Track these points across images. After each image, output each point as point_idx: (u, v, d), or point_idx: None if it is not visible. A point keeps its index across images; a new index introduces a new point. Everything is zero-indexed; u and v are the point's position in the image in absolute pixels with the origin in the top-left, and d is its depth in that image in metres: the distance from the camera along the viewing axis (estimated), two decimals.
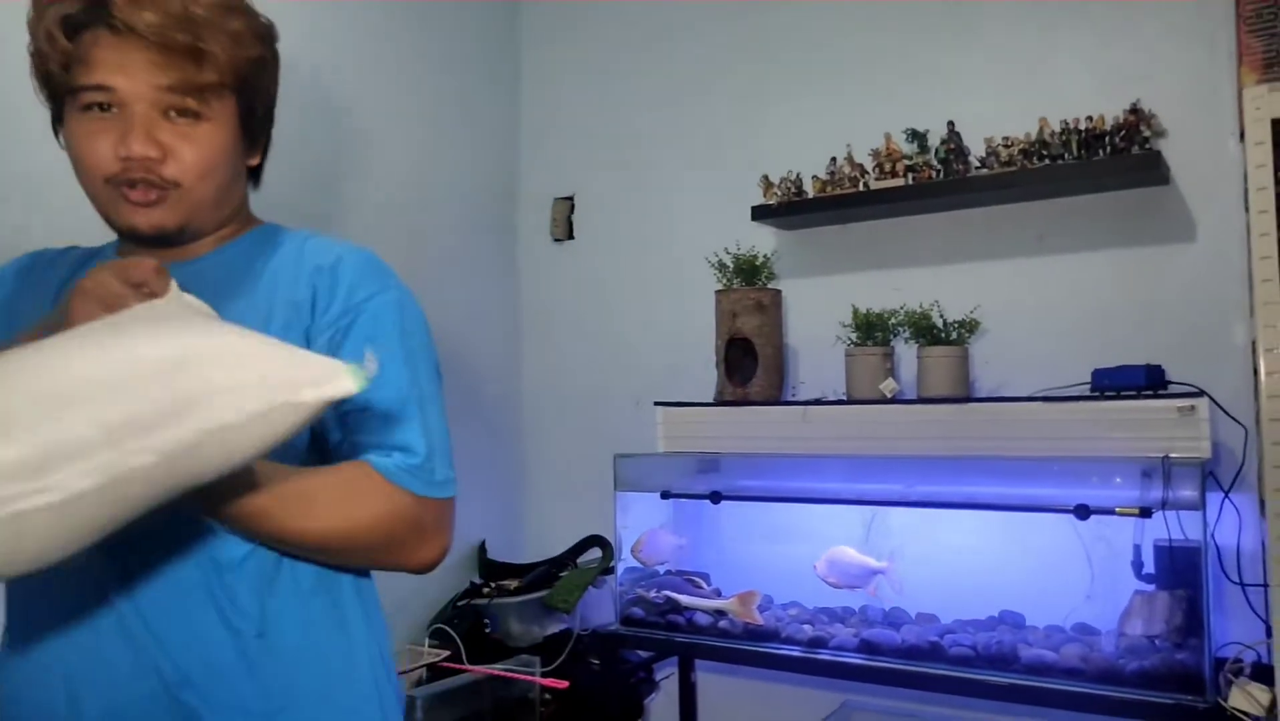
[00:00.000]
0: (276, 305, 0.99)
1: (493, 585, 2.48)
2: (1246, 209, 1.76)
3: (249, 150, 1.03)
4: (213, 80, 0.94)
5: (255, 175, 1.09)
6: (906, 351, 2.21)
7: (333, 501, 0.91)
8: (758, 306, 2.29)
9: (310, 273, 1.00)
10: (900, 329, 2.19)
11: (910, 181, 2.21)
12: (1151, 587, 1.73)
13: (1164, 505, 1.65)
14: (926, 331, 2.13)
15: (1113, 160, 1.99)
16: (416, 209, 2.60)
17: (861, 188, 2.28)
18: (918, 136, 2.26)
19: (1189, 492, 1.66)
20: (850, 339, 2.22)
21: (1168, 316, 2.03)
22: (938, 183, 2.18)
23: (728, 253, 2.36)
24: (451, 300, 2.69)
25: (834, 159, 2.33)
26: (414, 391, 0.98)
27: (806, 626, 2.01)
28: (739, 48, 2.61)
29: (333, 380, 0.72)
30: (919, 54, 2.35)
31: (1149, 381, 1.85)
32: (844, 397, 2.20)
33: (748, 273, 2.33)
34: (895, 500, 2.03)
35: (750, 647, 2.02)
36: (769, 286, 2.35)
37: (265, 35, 1.01)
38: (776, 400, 2.28)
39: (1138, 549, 1.77)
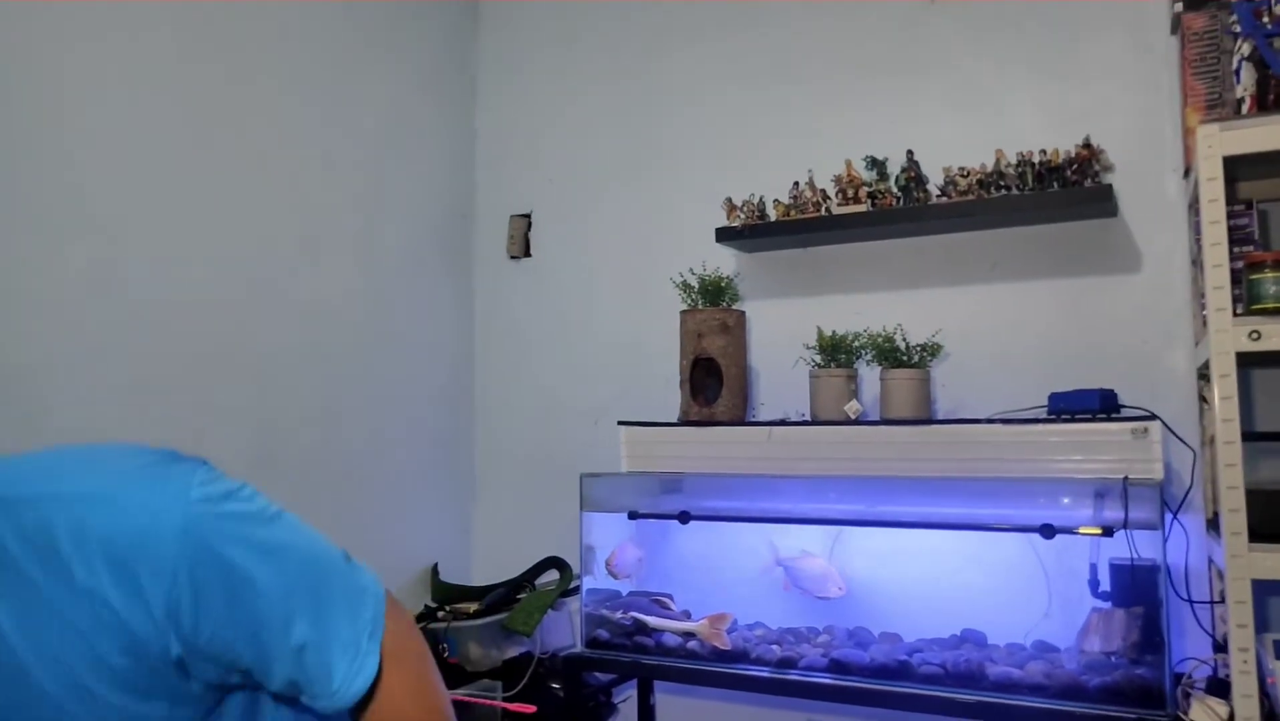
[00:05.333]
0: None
1: (448, 608, 2.44)
2: (1196, 241, 1.86)
3: None
4: None
5: None
6: (869, 374, 2.25)
7: None
8: (723, 327, 2.31)
9: None
10: (863, 351, 2.24)
11: (872, 207, 2.27)
12: (1108, 605, 1.79)
13: (1125, 525, 1.71)
14: (889, 354, 2.18)
15: (1067, 192, 2.07)
16: (369, 226, 2.56)
17: (824, 212, 2.32)
18: (877, 164, 2.32)
19: (1147, 513, 1.72)
20: (814, 360, 2.26)
21: (1116, 343, 2.12)
22: (899, 209, 2.24)
23: (692, 273, 2.38)
24: (404, 317, 2.65)
25: (796, 183, 2.37)
26: None
27: (775, 647, 2.02)
28: (701, 70, 2.64)
29: None
30: (879, 83, 2.42)
31: (1103, 405, 1.93)
32: (808, 418, 2.23)
33: (713, 293, 2.35)
34: (861, 519, 2.06)
35: (720, 669, 2.02)
36: (733, 307, 2.37)
37: None
38: (742, 420, 2.29)
39: (1094, 567, 1.84)
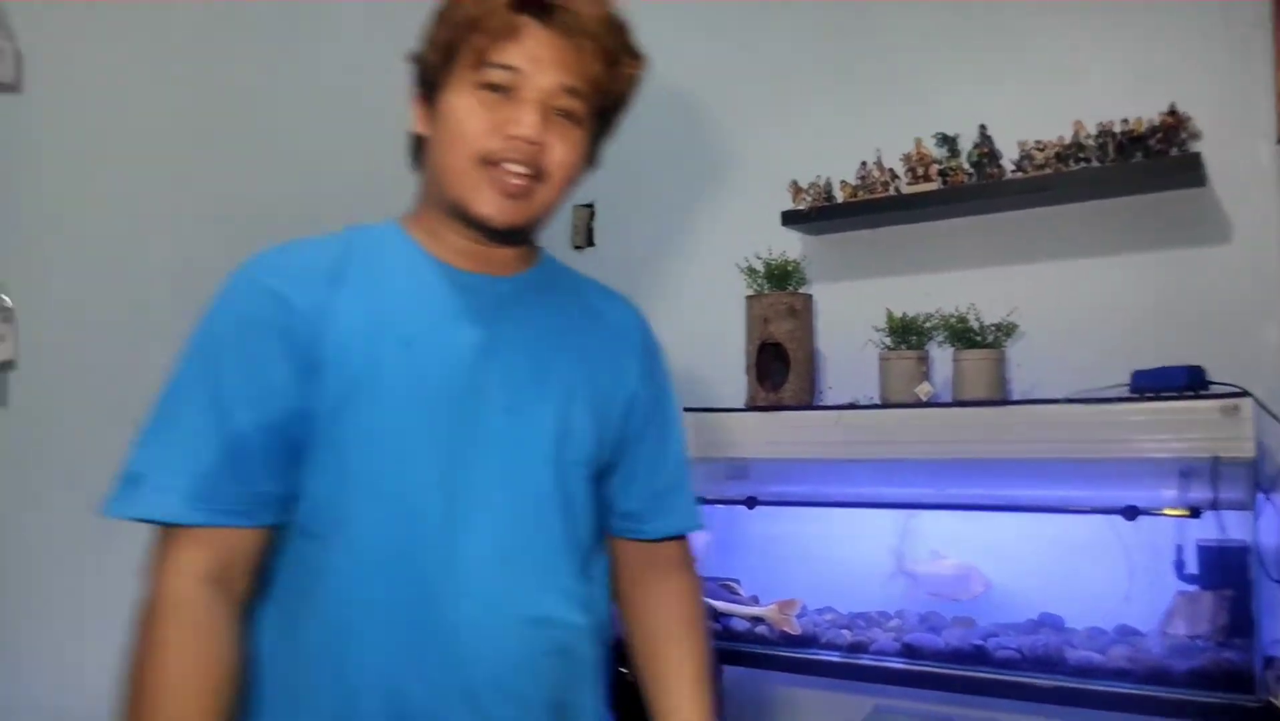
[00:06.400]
0: (603, 362, 1.08)
1: None
2: None
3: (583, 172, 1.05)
4: (606, 91, 0.99)
5: None
6: (940, 355, 2.20)
7: None
8: (790, 311, 2.28)
9: (639, 349, 1.14)
10: (935, 332, 2.18)
11: (943, 185, 2.21)
12: (1194, 588, 1.72)
13: (1214, 505, 1.64)
14: (962, 334, 2.12)
15: (1152, 163, 1.98)
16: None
17: (893, 192, 2.28)
18: (948, 141, 2.26)
19: (1237, 493, 1.64)
20: (884, 342, 2.21)
21: (1203, 318, 2.02)
22: (971, 186, 2.18)
23: (758, 258, 2.36)
24: None
25: (864, 163, 2.33)
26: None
27: (845, 631, 1.99)
28: (761, 52, 2.61)
29: None
30: (947, 57, 2.36)
31: (1190, 382, 1.85)
32: (878, 401, 2.19)
33: (779, 277, 2.32)
34: (934, 503, 2.01)
35: (790, 654, 2.00)
36: (800, 291, 2.34)
37: (643, 64, 1.04)
38: (809, 405, 2.26)
39: (1180, 549, 1.76)
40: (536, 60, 0.94)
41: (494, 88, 0.94)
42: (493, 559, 0.95)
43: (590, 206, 2.89)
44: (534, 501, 0.99)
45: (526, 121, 0.94)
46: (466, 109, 0.95)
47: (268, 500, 0.92)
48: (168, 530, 0.88)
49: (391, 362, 0.94)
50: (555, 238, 2.93)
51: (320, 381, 0.92)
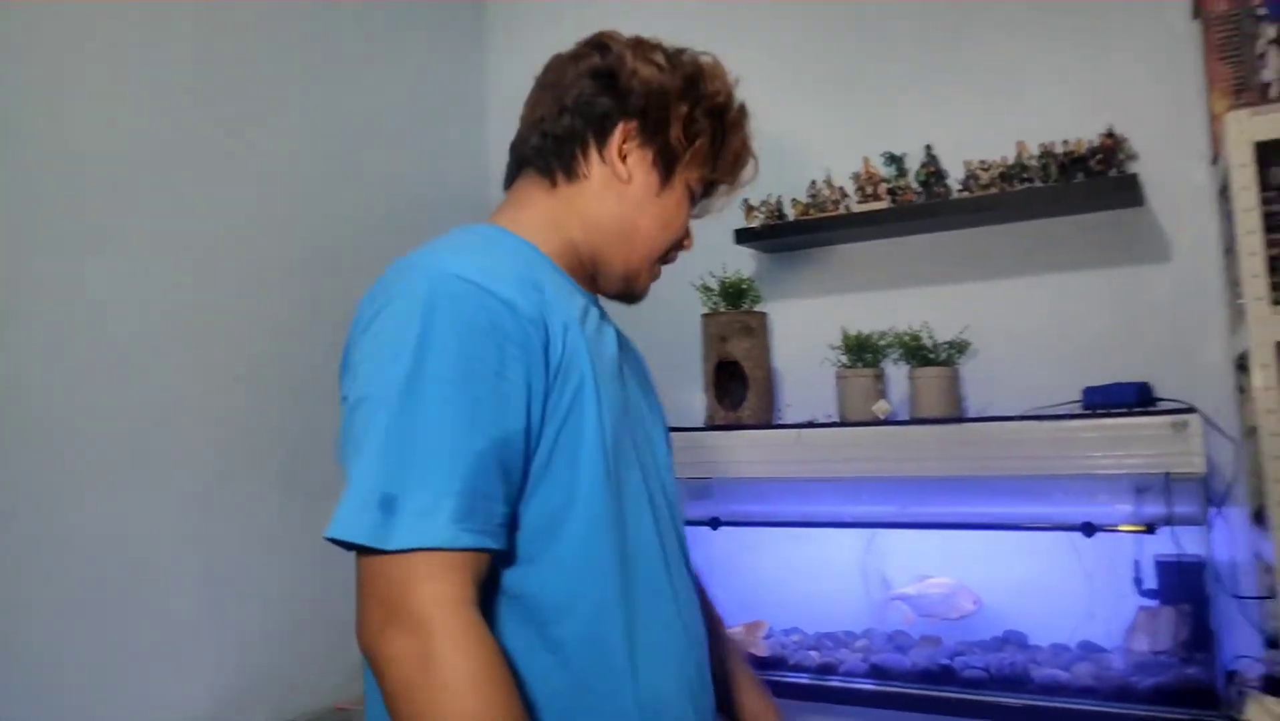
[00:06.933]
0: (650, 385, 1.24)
1: None
2: (1228, 229, 1.82)
3: None
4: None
5: None
6: (896, 372, 2.23)
7: None
8: (745, 329, 2.28)
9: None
10: (890, 350, 2.20)
11: (893, 203, 2.24)
12: (1154, 603, 1.77)
13: (1169, 521, 1.69)
14: (916, 352, 2.15)
15: (1092, 183, 2.04)
16: (394, 224, 2.51)
17: (843, 210, 2.29)
18: (895, 160, 2.29)
19: (1190, 508, 1.69)
20: (840, 360, 2.23)
21: (1148, 335, 2.08)
22: (920, 205, 2.21)
23: (712, 275, 2.35)
24: None
25: (814, 182, 2.34)
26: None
27: (813, 652, 2.00)
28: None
29: None
30: (893, 77, 2.38)
31: (1139, 398, 1.90)
32: (836, 419, 2.20)
33: (734, 296, 2.32)
34: (895, 522, 2.03)
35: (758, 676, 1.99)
36: (755, 310, 2.34)
37: None
38: (769, 423, 2.27)
39: (1138, 565, 1.81)
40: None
41: (694, 196, 1.07)
42: (679, 558, 1.03)
43: None
44: (674, 508, 1.07)
45: (689, 231, 1.08)
46: (678, 204, 1.04)
47: (506, 521, 0.87)
48: (417, 557, 0.79)
49: (593, 372, 0.94)
50: None
51: (559, 392, 0.91)
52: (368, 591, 0.80)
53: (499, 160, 1.14)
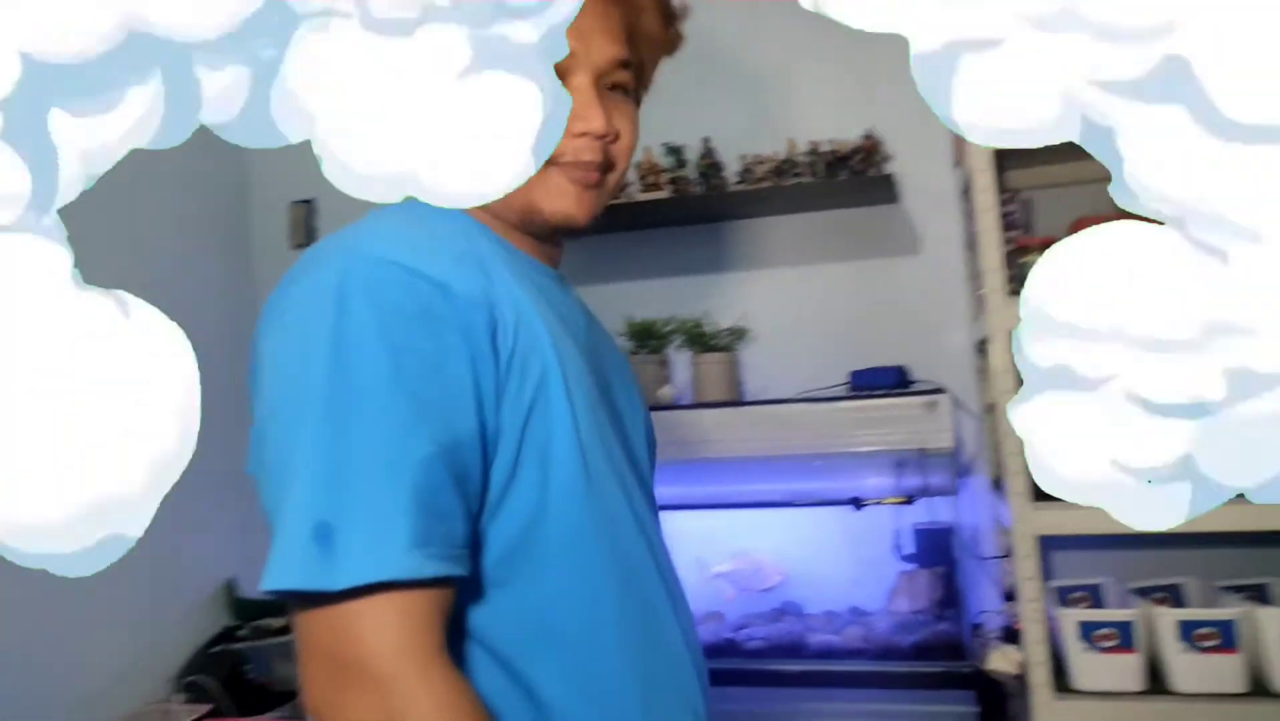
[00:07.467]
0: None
1: (250, 626, 2.26)
2: (969, 226, 2.02)
3: None
4: (654, 59, 0.88)
5: None
6: (680, 358, 2.29)
7: None
8: None
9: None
10: (673, 336, 2.27)
11: (674, 193, 2.29)
12: (913, 567, 1.93)
13: (926, 492, 1.85)
14: (698, 339, 2.22)
15: (854, 180, 2.19)
16: (131, 205, 2.28)
17: (624, 199, 2.32)
18: (675, 151, 2.35)
19: (942, 480, 1.86)
20: (626, 347, 2.26)
21: (903, 321, 2.27)
22: (699, 196, 2.28)
23: None
24: (176, 308, 2.39)
25: None
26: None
27: None
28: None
29: None
30: (670, 68, 2.43)
31: (899, 381, 2.06)
32: None
33: None
34: (680, 503, 2.09)
35: None
36: None
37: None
38: None
39: (898, 533, 1.97)
40: (578, 32, 0.71)
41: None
42: (671, 568, 0.86)
43: (309, 203, 2.68)
44: (651, 496, 0.91)
45: (592, 115, 0.80)
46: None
47: (469, 542, 0.70)
48: (369, 597, 0.63)
49: (559, 359, 0.77)
50: (271, 236, 2.69)
51: (517, 386, 0.74)
52: (312, 646, 0.65)
53: None
